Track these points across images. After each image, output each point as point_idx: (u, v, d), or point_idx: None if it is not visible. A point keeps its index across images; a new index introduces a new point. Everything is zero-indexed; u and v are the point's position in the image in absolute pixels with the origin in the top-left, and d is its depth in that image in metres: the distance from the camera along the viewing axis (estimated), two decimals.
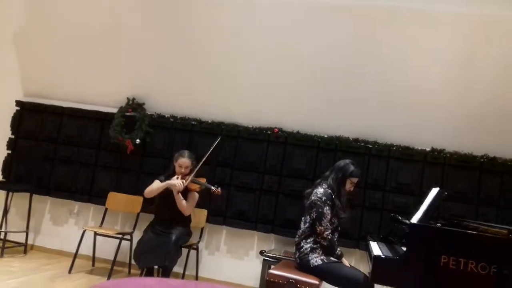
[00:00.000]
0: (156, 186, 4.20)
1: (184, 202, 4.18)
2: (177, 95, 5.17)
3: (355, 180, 3.62)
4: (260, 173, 4.89)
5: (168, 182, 4.15)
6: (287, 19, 4.68)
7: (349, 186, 3.61)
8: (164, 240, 4.02)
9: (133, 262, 4.69)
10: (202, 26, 4.88)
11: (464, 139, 4.57)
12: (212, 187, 4.16)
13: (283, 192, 4.82)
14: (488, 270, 2.76)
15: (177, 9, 4.89)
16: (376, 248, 3.51)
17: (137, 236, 4.60)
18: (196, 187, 4.22)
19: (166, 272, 4.04)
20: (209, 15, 4.84)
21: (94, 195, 5.20)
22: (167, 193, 4.20)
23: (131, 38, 5.09)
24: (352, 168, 3.60)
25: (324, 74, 4.72)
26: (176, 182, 4.11)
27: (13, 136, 5.45)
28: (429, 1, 4.29)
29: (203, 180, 4.28)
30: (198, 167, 4.25)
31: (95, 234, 4.91)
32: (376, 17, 4.46)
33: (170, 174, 4.28)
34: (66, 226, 5.34)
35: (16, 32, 5.44)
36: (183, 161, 4.23)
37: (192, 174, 4.22)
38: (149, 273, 4.11)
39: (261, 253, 4.38)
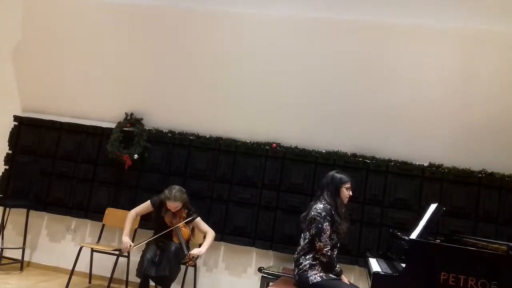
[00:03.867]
0: (126, 223, 4.31)
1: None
2: (175, 110, 5.18)
3: (348, 185, 3.61)
4: (258, 188, 4.88)
5: (123, 238, 4.22)
6: (286, 34, 4.73)
7: (346, 193, 3.59)
8: (164, 250, 4.04)
9: (130, 279, 4.67)
10: (200, 42, 4.91)
11: (462, 154, 4.57)
12: (186, 254, 4.10)
13: (281, 207, 4.80)
14: (488, 287, 2.75)
15: (175, 25, 4.93)
16: (375, 265, 3.50)
17: (134, 252, 4.57)
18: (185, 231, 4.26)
19: (165, 285, 4.02)
20: (207, 30, 4.88)
21: (91, 210, 5.17)
22: (162, 214, 4.27)
23: (130, 54, 5.12)
24: (339, 176, 3.62)
25: (322, 89, 4.74)
26: (124, 242, 4.17)
27: (10, 151, 5.44)
28: (427, 17, 4.33)
29: (185, 235, 4.25)
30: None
31: (92, 250, 4.87)
32: (374, 32, 4.50)
33: (163, 202, 4.25)
34: (63, 242, 5.29)
35: (14, 47, 5.46)
36: (171, 204, 4.18)
37: (181, 220, 4.27)
38: (145, 287, 4.06)
39: (260, 270, 4.34)
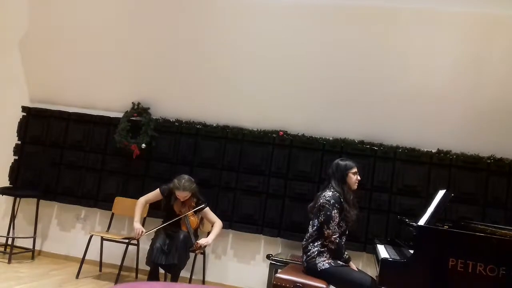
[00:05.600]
0: (136, 210, 4.33)
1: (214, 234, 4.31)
2: (182, 99, 5.18)
3: (354, 169, 3.61)
4: (266, 176, 4.89)
5: (134, 225, 4.24)
6: (292, 21, 4.69)
7: (353, 179, 3.59)
8: (173, 239, 4.08)
9: (140, 266, 4.72)
10: (206, 30, 4.89)
11: (471, 140, 4.55)
12: (194, 243, 4.12)
13: (289, 195, 4.81)
14: (496, 272, 2.75)
15: (182, 14, 4.91)
16: (383, 251, 3.50)
17: (143, 240, 4.62)
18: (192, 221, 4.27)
19: (175, 273, 4.05)
20: (212, 19, 4.85)
21: (101, 200, 5.21)
22: (171, 202, 4.30)
23: (136, 43, 5.11)
24: (343, 163, 3.62)
25: (329, 76, 4.71)
26: (136, 228, 4.19)
27: (19, 142, 5.48)
28: (433, 1, 4.28)
29: (194, 223, 4.27)
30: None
31: (102, 239, 4.92)
32: (381, 18, 4.46)
33: (173, 191, 4.27)
34: (73, 231, 5.35)
35: (21, 38, 5.47)
36: (180, 194, 4.19)
37: (190, 210, 4.27)
38: (155, 274, 4.10)
39: (268, 257, 4.37)
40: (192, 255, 4.39)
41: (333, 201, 3.41)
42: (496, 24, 4.26)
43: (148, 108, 5.21)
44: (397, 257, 3.24)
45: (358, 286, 3.26)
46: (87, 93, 5.42)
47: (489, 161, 4.51)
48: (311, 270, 3.38)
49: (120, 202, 5.03)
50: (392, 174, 4.66)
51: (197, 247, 4.13)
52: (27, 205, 5.24)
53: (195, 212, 4.29)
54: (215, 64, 4.97)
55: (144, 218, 4.87)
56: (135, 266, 4.86)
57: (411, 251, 3.01)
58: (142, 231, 4.20)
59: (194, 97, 5.15)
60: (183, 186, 4.16)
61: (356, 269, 3.50)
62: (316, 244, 3.42)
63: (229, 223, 4.85)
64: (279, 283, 3.27)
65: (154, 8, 4.98)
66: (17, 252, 5.03)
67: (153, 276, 4.09)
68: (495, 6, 4.17)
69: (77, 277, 4.57)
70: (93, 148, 5.32)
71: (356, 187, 3.62)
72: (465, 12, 4.26)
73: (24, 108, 5.51)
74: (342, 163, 3.62)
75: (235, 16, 4.79)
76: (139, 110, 5.20)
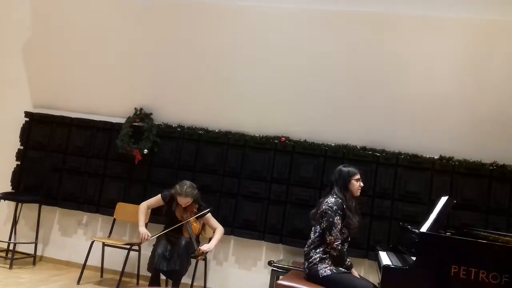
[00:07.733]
0: (139, 215, 4.34)
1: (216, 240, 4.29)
2: (184, 104, 5.19)
3: (357, 176, 3.60)
4: (268, 182, 4.89)
5: (139, 229, 4.25)
6: (293, 27, 4.71)
7: (356, 185, 3.58)
8: (175, 245, 4.07)
9: (141, 272, 4.70)
10: (208, 36, 4.91)
11: (473, 147, 4.53)
12: (196, 249, 4.10)
13: (290, 201, 4.80)
14: (499, 279, 2.74)
15: (183, 20, 4.93)
16: (385, 258, 3.49)
17: (145, 247, 4.61)
18: (195, 227, 4.25)
19: (176, 279, 4.05)
20: (215, 24, 4.87)
21: (102, 205, 5.21)
22: (173, 208, 4.29)
23: (139, 49, 5.13)
24: (346, 169, 3.61)
25: (331, 82, 4.72)
26: (141, 233, 4.19)
27: (22, 147, 5.49)
28: (435, 8, 4.29)
29: (195, 229, 4.26)
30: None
31: (104, 244, 4.91)
32: (382, 24, 4.47)
33: (174, 197, 4.26)
34: (74, 236, 5.35)
35: (24, 43, 5.50)
36: (182, 200, 4.18)
37: (191, 215, 4.25)
38: (156, 281, 4.09)
39: (269, 263, 4.36)
40: (193, 261, 4.37)
41: (336, 207, 3.40)
42: (497, 30, 4.27)
43: (151, 114, 5.22)
44: (399, 264, 3.23)
45: None
46: (89, 99, 5.43)
47: (491, 167, 4.49)
48: (313, 276, 3.37)
49: (122, 208, 5.02)
50: (394, 180, 4.65)
51: (199, 253, 4.12)
52: (29, 211, 5.24)
53: (197, 218, 4.29)
54: (217, 70, 4.99)
55: (146, 224, 4.85)
56: (136, 272, 4.83)
57: (413, 258, 3.00)
58: (148, 236, 4.19)
59: (196, 102, 5.16)
60: (185, 192, 4.16)
61: (358, 276, 3.49)
62: (318, 250, 3.41)
63: (230, 229, 4.84)
64: None
65: (156, 14, 5.01)
66: (18, 258, 5.01)
67: (154, 282, 4.07)
68: (496, 12, 4.18)
69: (78, 282, 4.56)
70: (95, 154, 5.33)
71: (358, 193, 3.61)
72: (466, 18, 4.27)
73: (27, 114, 5.52)
74: (345, 169, 3.61)
75: (237, 22, 4.81)
76: (142, 116, 5.21)
